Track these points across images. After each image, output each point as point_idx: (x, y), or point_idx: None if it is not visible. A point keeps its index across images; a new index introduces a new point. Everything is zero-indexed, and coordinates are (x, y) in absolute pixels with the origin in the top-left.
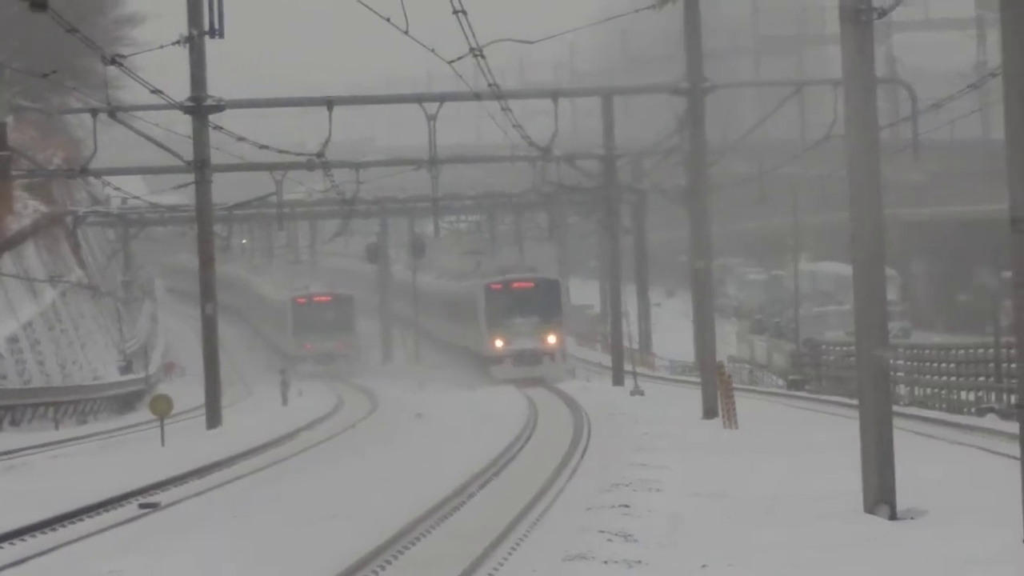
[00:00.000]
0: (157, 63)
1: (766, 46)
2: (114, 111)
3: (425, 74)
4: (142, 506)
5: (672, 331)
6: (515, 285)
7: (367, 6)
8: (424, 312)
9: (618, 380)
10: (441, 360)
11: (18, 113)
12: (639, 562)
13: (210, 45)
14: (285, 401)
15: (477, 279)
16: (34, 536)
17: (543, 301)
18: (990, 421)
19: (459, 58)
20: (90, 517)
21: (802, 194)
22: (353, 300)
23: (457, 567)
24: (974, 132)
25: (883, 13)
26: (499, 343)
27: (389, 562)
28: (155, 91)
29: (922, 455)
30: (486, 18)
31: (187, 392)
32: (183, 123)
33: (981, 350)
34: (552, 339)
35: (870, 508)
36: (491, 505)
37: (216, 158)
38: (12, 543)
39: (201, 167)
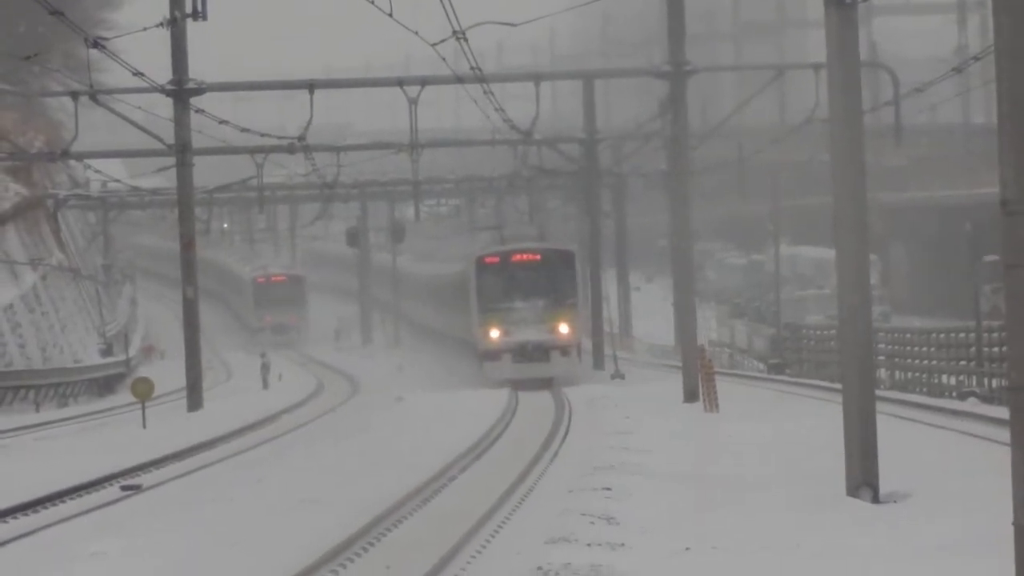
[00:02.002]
0: (139, 46)
1: (746, 30)
2: (95, 94)
3: (403, 58)
4: (124, 488)
5: (652, 315)
6: (516, 257)
7: None
8: (412, 296)
9: (599, 364)
10: (423, 344)
11: None
12: (622, 545)
13: (191, 28)
14: (266, 384)
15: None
16: (16, 518)
17: (553, 278)
18: (971, 405)
19: (442, 41)
20: (72, 499)
21: (782, 178)
22: (304, 280)
23: (438, 550)
24: (955, 117)
25: None
26: (495, 334)
27: (372, 544)
28: (137, 74)
29: (904, 439)
30: (465, 1)
31: (167, 375)
32: (165, 106)
33: (962, 334)
34: (565, 328)
35: (853, 491)
36: (472, 489)
37: (197, 141)
38: None
39: (182, 150)
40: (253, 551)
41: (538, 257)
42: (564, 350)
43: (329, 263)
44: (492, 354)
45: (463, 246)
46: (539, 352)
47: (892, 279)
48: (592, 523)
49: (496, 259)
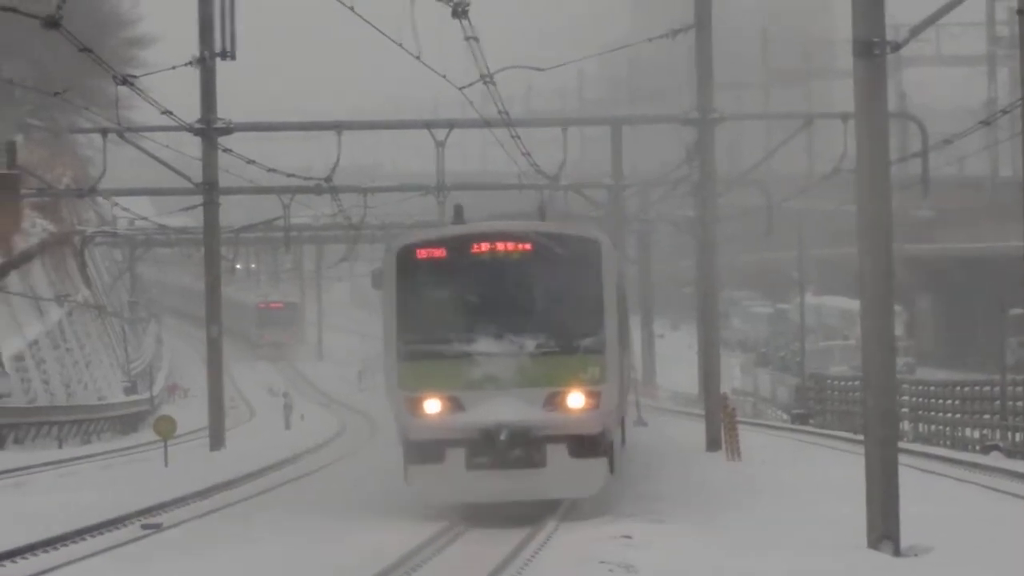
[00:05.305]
0: (168, 84)
1: (775, 79)
2: (124, 131)
3: (433, 98)
4: (145, 527)
5: (677, 363)
6: (479, 248)
7: (381, 31)
8: None
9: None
10: None
11: (28, 132)
12: None
13: (220, 67)
14: (288, 425)
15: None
16: (36, 555)
17: (558, 292)
18: (994, 459)
19: (470, 84)
20: (92, 537)
21: (809, 227)
22: (298, 305)
23: None
24: (982, 169)
25: (896, 47)
26: (431, 406)
27: None
28: (165, 112)
29: (926, 492)
30: (494, 45)
31: (191, 414)
32: (192, 144)
33: (986, 387)
34: (579, 399)
35: (874, 544)
36: (491, 534)
37: (224, 180)
38: (15, 561)
39: (209, 189)
40: None
41: (526, 248)
42: (578, 444)
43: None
44: (425, 449)
45: None
46: (523, 448)
47: (917, 330)
48: (611, 571)
49: (439, 252)
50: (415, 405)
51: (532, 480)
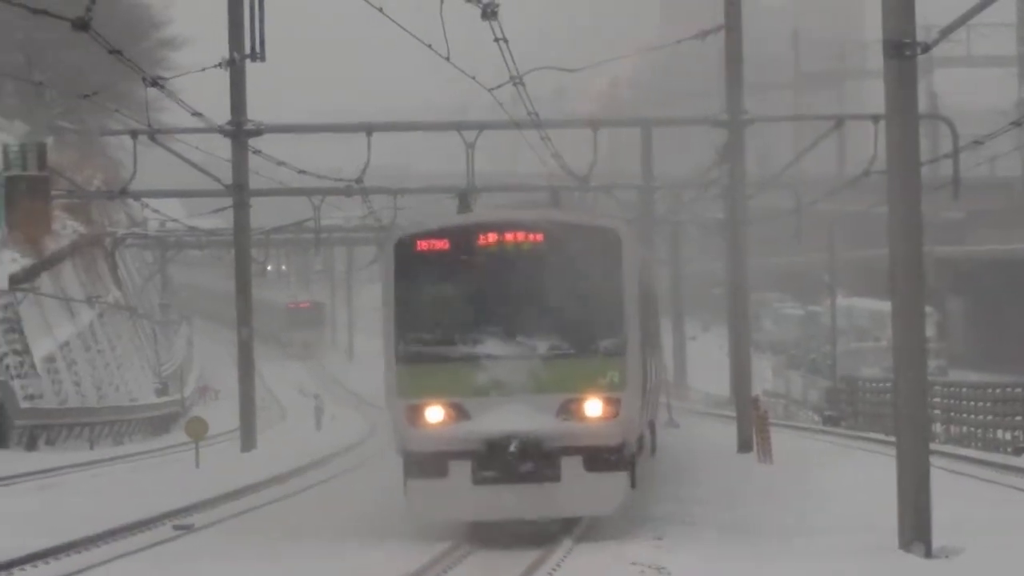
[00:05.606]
0: (198, 86)
1: (806, 81)
2: (154, 133)
3: (463, 99)
4: (176, 527)
5: (708, 364)
6: (485, 239)
7: (411, 33)
8: None
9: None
10: None
11: (58, 134)
12: None
13: (250, 69)
14: (319, 426)
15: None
16: (68, 555)
17: (572, 288)
18: None
19: (499, 86)
20: (124, 538)
21: (839, 229)
22: (324, 305)
23: None
24: (1014, 170)
25: (927, 48)
26: (433, 414)
27: None
28: (195, 114)
29: (958, 494)
30: (524, 47)
31: (222, 415)
32: (223, 146)
33: (1019, 389)
34: (597, 408)
35: (905, 546)
36: (518, 533)
37: (254, 182)
38: (47, 562)
39: (240, 191)
40: None
41: (538, 240)
42: (595, 457)
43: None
44: (426, 462)
45: None
46: (535, 460)
47: (949, 332)
48: (642, 572)
49: (442, 243)
50: (415, 413)
51: (544, 496)
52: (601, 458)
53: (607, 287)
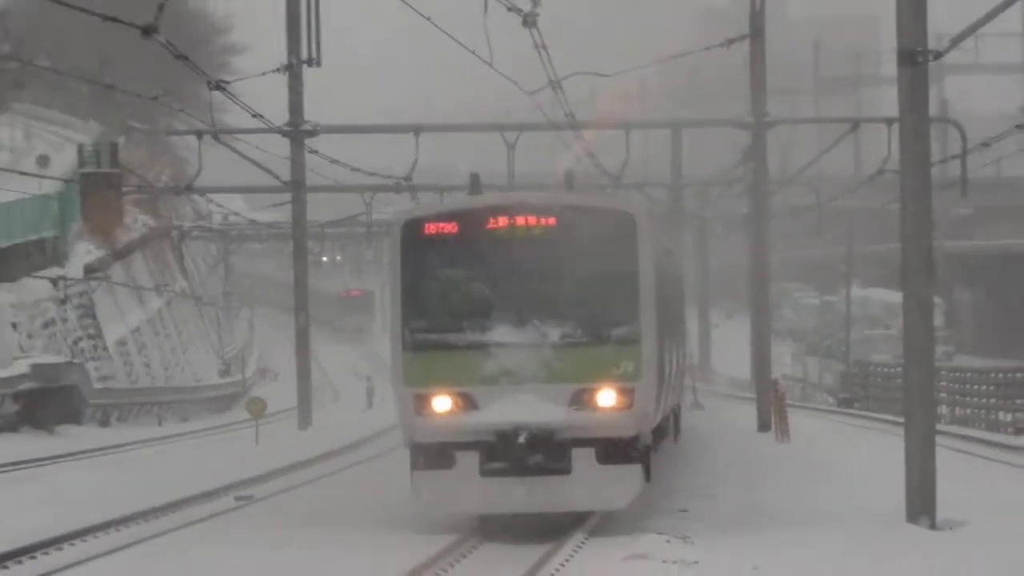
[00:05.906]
0: (258, 89)
1: (825, 86)
2: (217, 133)
3: (503, 102)
4: (238, 499)
5: (731, 350)
6: (495, 223)
7: (456, 40)
8: None
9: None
10: None
11: (129, 134)
12: (695, 563)
13: (307, 73)
14: (370, 404)
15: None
16: (138, 523)
17: (586, 271)
18: None
19: (539, 90)
20: (190, 507)
21: (856, 224)
22: (374, 294)
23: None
24: (1018, 170)
25: (937, 56)
26: (440, 403)
27: (469, 552)
28: (256, 115)
29: (962, 471)
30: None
31: (280, 395)
32: (281, 145)
33: (1020, 374)
34: (610, 397)
35: (912, 518)
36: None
37: (310, 179)
38: (118, 529)
39: (297, 187)
40: (363, 554)
41: (551, 223)
42: (608, 449)
43: None
44: (433, 453)
45: None
46: (545, 452)
47: (956, 321)
48: (668, 541)
49: (450, 226)
50: (422, 403)
51: (555, 489)
52: (614, 450)
53: (622, 273)
